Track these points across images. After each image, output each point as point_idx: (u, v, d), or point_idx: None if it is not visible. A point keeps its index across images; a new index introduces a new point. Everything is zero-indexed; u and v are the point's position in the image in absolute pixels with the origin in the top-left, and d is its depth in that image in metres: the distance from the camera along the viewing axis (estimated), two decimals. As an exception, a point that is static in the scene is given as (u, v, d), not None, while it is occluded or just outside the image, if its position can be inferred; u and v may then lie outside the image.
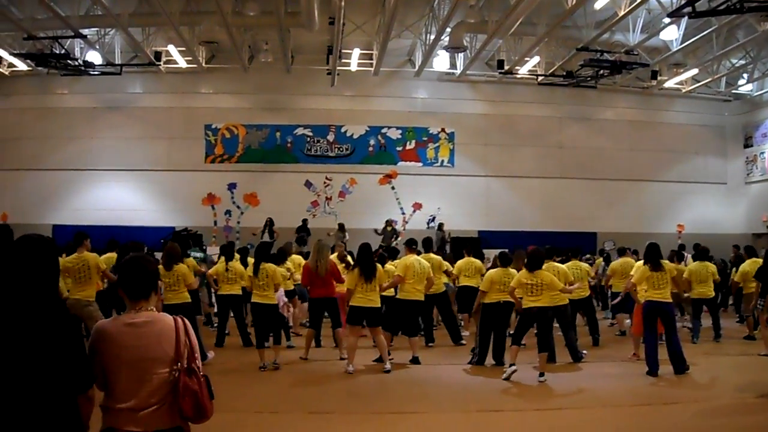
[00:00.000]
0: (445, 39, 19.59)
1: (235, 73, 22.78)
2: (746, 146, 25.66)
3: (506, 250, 10.28)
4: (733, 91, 24.87)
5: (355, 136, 23.95)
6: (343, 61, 21.66)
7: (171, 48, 21.43)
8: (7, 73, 22.43)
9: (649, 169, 24.84)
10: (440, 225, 21.78)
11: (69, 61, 19.71)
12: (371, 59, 22.46)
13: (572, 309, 10.83)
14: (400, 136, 24.02)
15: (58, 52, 19.12)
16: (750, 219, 24.58)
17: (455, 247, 18.63)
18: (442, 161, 24.34)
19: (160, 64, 21.67)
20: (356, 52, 22.05)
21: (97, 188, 22.95)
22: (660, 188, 24.84)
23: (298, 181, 23.50)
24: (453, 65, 22.96)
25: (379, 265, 9.01)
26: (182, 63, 22.12)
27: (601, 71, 20.14)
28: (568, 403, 7.86)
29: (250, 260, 10.30)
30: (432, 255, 11.28)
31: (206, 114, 23.09)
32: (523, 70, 21.68)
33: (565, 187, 24.09)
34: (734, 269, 13.59)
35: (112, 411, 3.23)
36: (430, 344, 11.95)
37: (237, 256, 11.48)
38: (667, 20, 17.89)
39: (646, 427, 6.93)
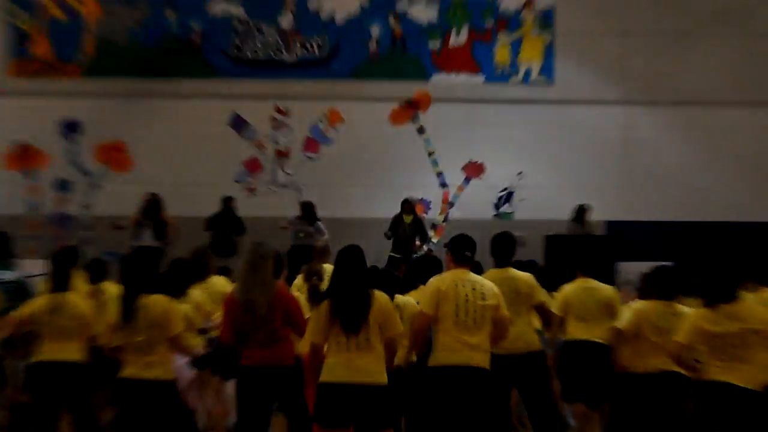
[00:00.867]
0: None
1: None
2: None
3: (664, 265, 8.09)
4: None
5: (338, 19, 19.34)
6: None
7: None
8: None
9: None
10: (581, 211, 17.20)
11: None
12: None
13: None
14: (435, 21, 19.39)
15: None
16: None
17: (557, 255, 15.05)
18: (528, 72, 19.50)
19: None
20: None
21: None
22: None
23: (215, 116, 18.79)
24: None
25: (381, 296, 6.61)
26: None
27: None
28: None
29: (112, 288, 9.15)
30: (514, 272, 8.36)
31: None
32: None
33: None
34: None
35: None
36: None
37: (82, 278, 9.48)
38: None
39: None
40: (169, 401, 7.07)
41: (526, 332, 8.10)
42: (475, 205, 18.53)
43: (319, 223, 15.97)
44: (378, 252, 15.17)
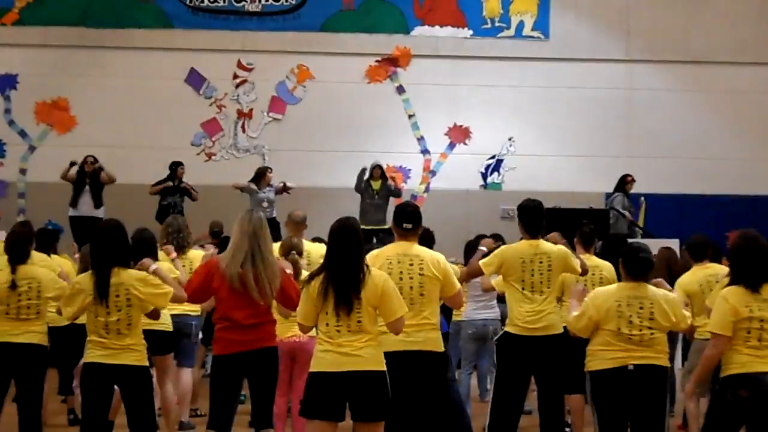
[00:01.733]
0: None
1: None
2: None
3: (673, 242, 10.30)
4: None
5: None
6: None
7: None
8: None
9: None
10: (624, 182, 17.02)
11: None
12: None
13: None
14: None
15: None
16: None
17: (560, 226, 12.17)
18: (520, 25, 19.05)
19: None
20: None
21: None
22: None
23: (169, 71, 18.61)
24: None
25: (379, 276, 6.62)
26: None
27: None
28: None
29: (64, 260, 10.18)
30: (546, 245, 8.34)
31: None
32: None
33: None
34: None
35: None
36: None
37: (31, 251, 8.73)
38: None
39: None
40: (144, 388, 7.05)
41: (551, 312, 8.06)
42: (459, 174, 18.20)
43: (286, 186, 15.86)
44: None
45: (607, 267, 9.50)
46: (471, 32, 18.53)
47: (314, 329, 8.23)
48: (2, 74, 17.63)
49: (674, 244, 13.18)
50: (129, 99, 17.84)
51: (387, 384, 6.43)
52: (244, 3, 18.28)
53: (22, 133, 17.68)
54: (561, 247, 8.23)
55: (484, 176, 18.26)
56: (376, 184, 15.97)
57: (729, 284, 6.94)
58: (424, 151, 18.21)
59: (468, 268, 8.80)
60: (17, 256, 7.59)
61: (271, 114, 18.09)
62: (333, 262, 6.39)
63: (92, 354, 6.71)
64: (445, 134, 18.10)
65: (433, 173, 18.19)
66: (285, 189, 16.05)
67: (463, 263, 10.62)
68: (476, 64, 18.43)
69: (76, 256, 10.18)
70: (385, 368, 6.36)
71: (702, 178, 18.58)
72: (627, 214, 17.21)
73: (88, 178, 15.33)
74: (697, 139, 18.88)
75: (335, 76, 18.15)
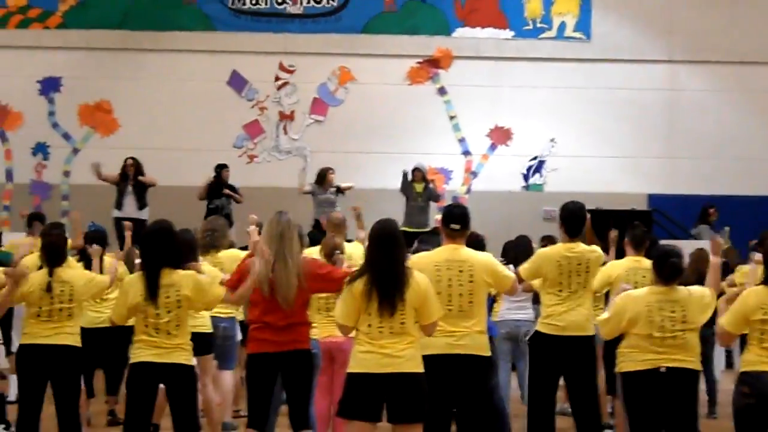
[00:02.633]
0: None
1: None
2: None
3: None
4: None
5: None
6: None
7: None
8: None
9: None
10: (707, 214, 17.62)
11: None
12: None
13: None
14: None
15: None
16: None
17: (597, 233, 12.30)
18: (562, 26, 19.08)
19: None
20: None
21: None
22: None
23: (211, 74, 18.67)
24: None
25: (421, 278, 6.61)
26: None
27: None
28: None
29: (110, 259, 9.76)
30: (584, 247, 8.31)
31: None
32: None
33: None
34: None
35: None
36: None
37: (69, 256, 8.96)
38: None
39: None
40: (190, 387, 7.08)
41: (584, 314, 7.97)
42: (501, 175, 18.27)
43: (339, 189, 15.86)
44: None
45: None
46: (512, 33, 18.63)
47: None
48: (46, 77, 17.79)
49: None
50: (171, 101, 17.99)
51: (425, 386, 6.45)
52: (285, 5, 18.38)
53: (66, 136, 17.84)
54: (596, 250, 8.21)
55: (526, 177, 18.38)
56: (419, 187, 16.03)
57: (761, 283, 6.95)
58: (466, 153, 18.31)
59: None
60: (54, 259, 7.66)
61: (312, 116, 18.20)
62: (375, 264, 6.42)
63: (141, 353, 6.77)
64: (487, 135, 18.19)
65: (475, 174, 18.28)
66: (340, 190, 16.03)
67: (505, 262, 10.41)
68: (518, 66, 18.54)
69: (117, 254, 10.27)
70: (423, 370, 6.40)
71: (744, 178, 18.58)
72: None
73: (132, 179, 15.50)
74: (739, 139, 18.87)
75: (377, 77, 18.24)
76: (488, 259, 7.29)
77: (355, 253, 10.04)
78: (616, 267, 8.92)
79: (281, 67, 18.23)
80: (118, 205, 15.27)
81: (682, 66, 19.15)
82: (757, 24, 19.14)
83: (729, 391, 11.01)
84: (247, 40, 18.31)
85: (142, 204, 15.35)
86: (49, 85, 18.02)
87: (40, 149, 17.90)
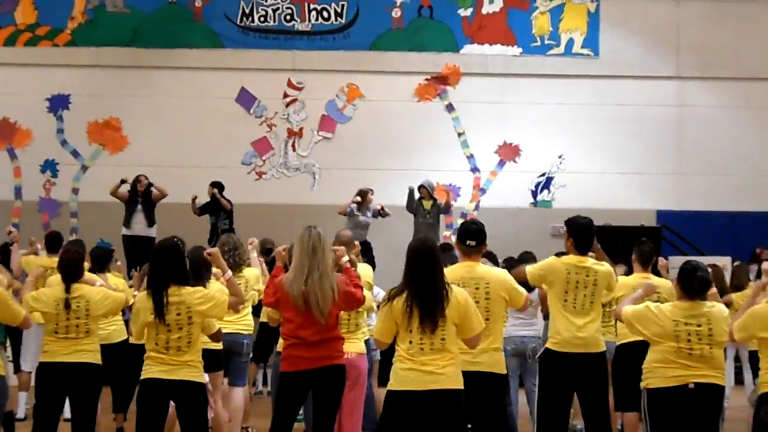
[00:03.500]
0: None
1: None
2: None
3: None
4: None
5: None
6: None
7: None
8: None
9: None
10: (758, 258, 16.51)
11: None
12: None
13: None
14: None
15: None
16: None
17: (611, 244, 13.29)
18: (570, 43, 19.21)
19: None
20: None
21: None
22: None
23: (219, 91, 18.72)
24: None
25: (459, 293, 6.60)
26: None
27: None
28: None
29: (116, 278, 10.10)
30: (593, 262, 8.33)
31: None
32: None
33: None
34: None
35: None
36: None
37: (86, 268, 8.96)
38: None
39: None
40: (199, 404, 7.07)
41: (594, 330, 7.94)
42: (509, 192, 18.27)
43: (371, 205, 15.83)
44: (400, 244, 14.64)
45: (665, 286, 9.31)
46: (520, 50, 18.73)
47: (361, 345, 8.27)
48: (55, 94, 17.88)
49: (726, 261, 13.01)
50: (180, 118, 18.06)
51: (464, 403, 6.46)
52: (294, 23, 18.45)
53: (75, 153, 17.93)
54: (606, 266, 8.21)
55: (534, 194, 18.41)
56: (427, 204, 16.07)
57: None
58: (474, 169, 18.37)
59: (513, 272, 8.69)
60: (71, 275, 7.68)
61: (321, 133, 18.32)
62: (415, 281, 6.37)
63: (150, 370, 6.78)
64: (495, 152, 18.28)
65: (483, 191, 18.34)
66: (381, 213, 16.02)
67: None
68: (526, 82, 18.56)
69: (135, 274, 10.16)
70: (463, 387, 6.39)
71: (754, 194, 18.55)
72: None
73: (141, 197, 15.52)
74: (748, 155, 18.90)
75: (385, 94, 18.34)
76: (504, 275, 7.30)
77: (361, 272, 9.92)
78: (624, 284, 8.83)
79: (290, 84, 18.29)
80: (127, 223, 15.31)
81: (690, 82, 19.15)
82: (764, 40, 19.18)
83: (738, 408, 11.28)
84: (256, 58, 18.34)
85: (151, 221, 15.39)
86: (58, 103, 18.07)
87: (49, 166, 17.91)
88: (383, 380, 7.62)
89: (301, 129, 18.31)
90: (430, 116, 18.32)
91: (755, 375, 9.52)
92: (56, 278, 8.57)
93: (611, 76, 18.65)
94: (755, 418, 6.84)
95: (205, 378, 7.97)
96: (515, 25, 18.63)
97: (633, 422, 9.26)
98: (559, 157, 18.37)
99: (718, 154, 18.89)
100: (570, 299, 7.83)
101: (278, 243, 10.62)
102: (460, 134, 18.42)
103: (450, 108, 18.33)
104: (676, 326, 6.56)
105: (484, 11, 18.50)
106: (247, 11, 18.28)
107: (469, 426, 7.19)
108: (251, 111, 18.24)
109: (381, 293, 9.20)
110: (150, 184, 15.82)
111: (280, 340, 7.74)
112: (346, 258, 7.77)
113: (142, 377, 6.81)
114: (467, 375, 6.77)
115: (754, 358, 10.71)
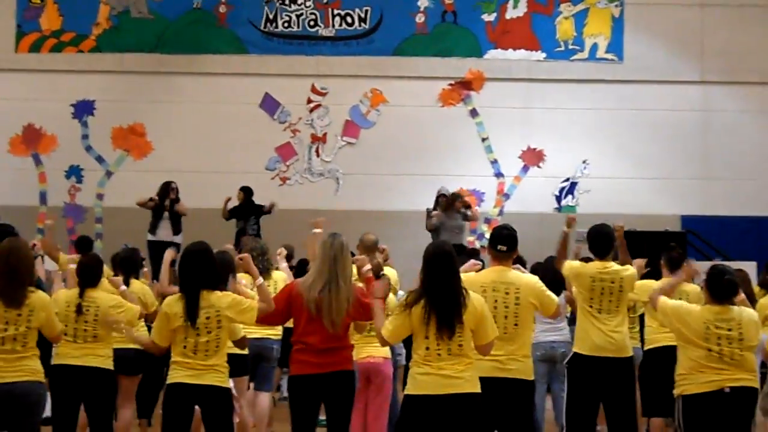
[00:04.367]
0: None
1: None
2: None
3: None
4: None
5: None
6: None
7: None
8: None
9: None
10: None
11: None
12: None
13: None
14: None
15: None
16: None
17: (636, 249, 12.53)
18: (594, 48, 19.18)
19: None
20: None
21: None
22: None
23: (243, 96, 18.78)
24: None
25: (476, 299, 6.55)
26: None
27: None
28: None
29: (141, 286, 9.49)
30: (617, 266, 8.27)
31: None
32: None
33: None
34: None
35: None
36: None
37: (106, 273, 9.20)
38: None
39: None
40: (225, 409, 7.05)
41: (622, 335, 7.95)
42: (533, 197, 18.23)
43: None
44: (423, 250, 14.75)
45: (693, 291, 9.33)
46: (544, 55, 18.72)
47: (386, 349, 8.17)
48: (80, 100, 17.94)
49: (751, 266, 12.78)
50: (204, 124, 18.07)
51: (481, 407, 6.43)
52: (317, 28, 18.46)
53: (99, 159, 17.97)
54: (629, 269, 8.20)
55: (558, 199, 18.36)
56: (437, 213, 16.00)
57: None
58: (498, 174, 18.36)
59: (557, 255, 8.70)
60: (88, 280, 7.74)
61: (345, 138, 18.28)
62: (432, 287, 6.33)
63: (176, 374, 6.77)
64: (519, 157, 18.25)
65: (507, 196, 18.32)
66: (467, 217, 15.87)
67: None
68: (550, 87, 18.56)
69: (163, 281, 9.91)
70: (480, 391, 6.38)
71: None
72: None
73: (169, 205, 15.65)
74: None
75: (409, 99, 18.31)
76: (535, 281, 7.26)
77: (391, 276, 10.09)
78: (651, 289, 8.59)
79: (313, 90, 18.32)
80: (153, 230, 15.40)
81: (715, 87, 18.98)
82: (792, 44, 19.00)
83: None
84: (280, 63, 18.41)
85: (177, 230, 15.46)
86: (83, 109, 18.14)
87: (74, 172, 17.92)
88: None
89: (324, 134, 18.33)
90: (453, 121, 18.30)
91: None
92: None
93: (635, 81, 18.58)
94: None
95: (230, 383, 7.78)
96: (539, 30, 18.62)
97: (658, 427, 9.23)
98: (584, 162, 18.35)
99: (743, 159, 18.60)
100: (596, 305, 7.84)
101: (299, 249, 11.24)
102: (483, 139, 18.41)
103: (474, 113, 18.30)
104: (706, 328, 6.53)
105: (507, 16, 18.49)
106: (271, 17, 18.23)
107: None
108: (275, 116, 18.23)
109: None
110: (176, 199, 15.91)
111: None
112: (367, 267, 7.77)
113: (167, 382, 6.83)
114: (496, 381, 6.80)
115: None
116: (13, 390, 6.42)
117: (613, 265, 8.08)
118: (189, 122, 18.23)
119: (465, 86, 18.32)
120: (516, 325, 6.98)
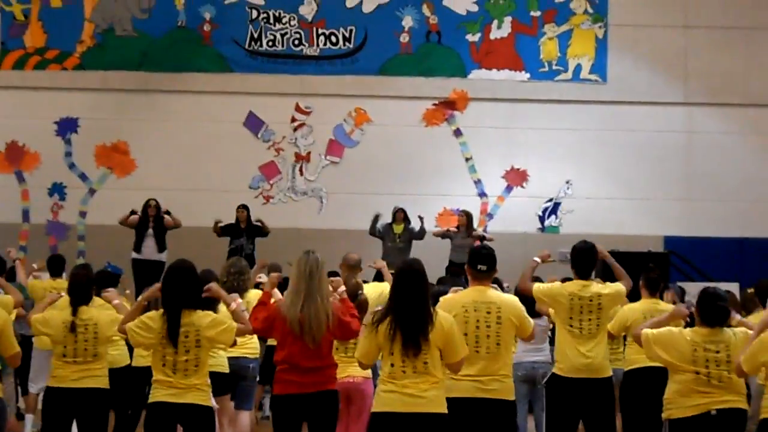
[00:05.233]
0: None
1: None
2: None
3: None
4: None
5: (366, 7, 18.94)
6: None
7: None
8: None
9: None
10: None
11: None
12: None
13: None
14: (475, 9, 19.01)
15: None
16: None
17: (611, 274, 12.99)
18: (577, 69, 19.22)
19: None
20: None
21: None
22: None
23: (227, 115, 18.83)
24: None
25: (444, 318, 6.57)
26: None
27: None
28: None
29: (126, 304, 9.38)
30: (598, 286, 8.23)
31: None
32: None
33: None
34: None
35: None
36: None
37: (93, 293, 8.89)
38: None
39: None
40: (207, 428, 6.99)
41: (601, 356, 7.93)
42: (517, 217, 18.24)
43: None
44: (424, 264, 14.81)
45: None
46: (528, 75, 18.69)
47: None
48: (63, 118, 17.85)
49: (734, 287, 12.68)
50: (188, 142, 18.01)
51: (448, 427, 6.42)
52: (302, 47, 18.41)
53: (83, 176, 17.87)
54: (615, 287, 8.10)
55: (542, 219, 18.37)
56: (398, 228, 16.10)
57: None
58: (482, 194, 18.34)
59: (520, 279, 8.52)
60: (80, 298, 7.67)
61: (328, 157, 18.27)
62: (399, 304, 6.35)
63: (157, 393, 6.73)
64: (503, 177, 18.24)
65: (491, 216, 18.29)
66: (481, 238, 15.76)
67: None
68: (534, 108, 18.54)
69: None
70: (446, 411, 6.37)
71: (762, 221, 18.36)
72: None
73: (152, 222, 15.52)
74: (756, 181, 18.69)
75: (393, 119, 18.31)
76: (515, 300, 7.23)
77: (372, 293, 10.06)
78: (632, 310, 8.74)
79: (297, 109, 18.28)
80: (137, 248, 15.35)
81: (698, 108, 18.92)
82: (774, 66, 18.95)
83: None
84: (264, 82, 18.36)
85: (161, 247, 15.39)
86: (66, 126, 18.07)
87: (57, 190, 17.84)
88: None
89: (308, 153, 18.27)
90: (437, 141, 18.29)
91: None
92: (63, 301, 8.59)
93: (619, 101, 18.61)
94: None
95: (213, 402, 7.68)
96: (523, 51, 18.61)
97: None
98: (567, 182, 18.33)
99: (726, 180, 18.51)
100: (575, 325, 7.79)
101: (286, 267, 10.48)
102: (467, 159, 18.40)
103: (458, 133, 18.32)
104: (694, 351, 6.51)
105: (491, 36, 18.44)
106: (255, 36, 18.19)
107: None
108: (259, 135, 18.21)
109: None
110: (166, 212, 15.90)
111: None
112: (342, 289, 7.72)
113: (149, 401, 6.81)
114: (476, 402, 6.81)
115: None
116: None
117: (593, 284, 8.03)
118: (173, 140, 18.16)
119: (449, 106, 18.31)
120: (498, 344, 6.97)
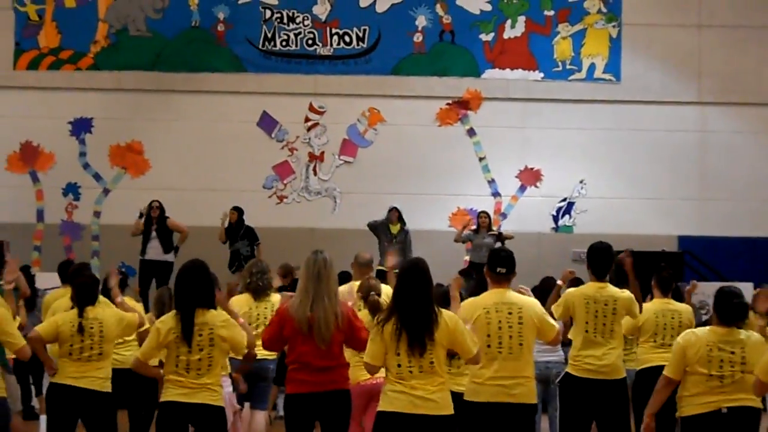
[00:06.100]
0: None
1: None
2: None
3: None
4: None
5: (379, 7, 18.81)
6: None
7: None
8: None
9: None
10: None
11: None
12: None
13: None
14: (488, 9, 18.93)
15: None
16: None
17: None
18: (591, 68, 19.11)
19: None
20: None
21: None
22: None
23: (241, 115, 18.81)
24: None
25: (450, 317, 6.65)
26: None
27: None
28: None
29: (132, 302, 9.47)
30: (613, 289, 8.27)
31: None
32: None
33: None
34: None
35: None
36: None
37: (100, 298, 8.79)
38: None
39: None
40: (219, 428, 7.00)
41: (615, 356, 7.95)
42: (530, 216, 18.26)
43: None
44: (439, 264, 14.49)
45: (686, 311, 9.35)
46: (542, 75, 18.69)
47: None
48: (77, 118, 17.93)
49: (747, 287, 12.22)
50: (202, 142, 18.03)
51: (455, 428, 6.49)
52: (315, 47, 18.42)
53: (97, 176, 17.93)
54: (627, 292, 8.13)
55: (556, 219, 18.39)
56: (394, 228, 16.08)
57: None
58: (495, 194, 18.37)
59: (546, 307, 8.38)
60: (86, 298, 7.70)
61: (342, 157, 18.29)
62: (403, 303, 6.40)
63: (169, 393, 6.76)
64: (516, 177, 18.30)
65: (504, 216, 18.29)
66: (501, 238, 15.90)
67: None
68: (547, 107, 18.54)
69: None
70: (453, 412, 6.42)
71: None
72: None
73: (155, 223, 15.58)
74: None
75: (406, 119, 18.32)
76: (536, 302, 7.27)
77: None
78: (644, 310, 8.71)
79: (311, 109, 18.31)
80: (143, 250, 15.49)
81: (712, 107, 18.83)
82: (788, 65, 18.73)
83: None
84: (278, 82, 18.35)
85: (167, 248, 15.44)
86: (81, 126, 18.13)
87: (71, 190, 17.90)
88: None
89: (322, 153, 18.27)
90: (451, 141, 18.30)
91: None
92: (65, 303, 8.70)
93: (633, 101, 18.56)
94: None
95: (226, 401, 7.76)
96: (537, 50, 18.61)
97: None
98: (581, 182, 18.33)
99: (739, 180, 18.47)
100: (590, 328, 7.82)
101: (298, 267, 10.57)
102: (481, 159, 18.41)
103: (471, 132, 18.31)
104: (709, 351, 6.50)
105: (505, 36, 18.41)
106: (269, 35, 18.18)
107: None
108: (273, 135, 18.25)
109: None
110: (165, 216, 15.84)
111: None
112: (349, 303, 7.76)
113: (161, 400, 6.84)
114: (501, 406, 6.86)
115: None
116: None
117: (609, 287, 8.05)
118: (186, 140, 18.17)
119: (462, 106, 18.32)
120: (521, 344, 6.99)
